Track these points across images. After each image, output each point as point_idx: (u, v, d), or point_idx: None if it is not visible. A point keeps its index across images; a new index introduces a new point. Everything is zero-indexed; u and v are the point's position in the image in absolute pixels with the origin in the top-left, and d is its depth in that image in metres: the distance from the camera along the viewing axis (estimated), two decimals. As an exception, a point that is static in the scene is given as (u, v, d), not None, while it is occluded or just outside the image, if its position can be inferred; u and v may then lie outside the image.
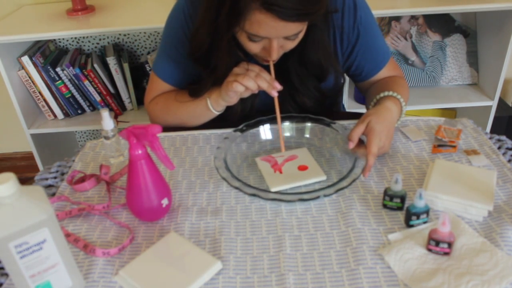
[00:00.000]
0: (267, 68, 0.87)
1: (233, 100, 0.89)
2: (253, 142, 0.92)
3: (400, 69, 1.08)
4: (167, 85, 1.04)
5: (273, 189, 0.79)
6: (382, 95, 0.92)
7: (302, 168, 0.84)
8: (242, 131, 0.91)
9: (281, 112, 0.87)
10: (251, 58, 0.91)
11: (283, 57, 0.90)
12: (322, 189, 0.74)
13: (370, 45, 0.98)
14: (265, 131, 0.94)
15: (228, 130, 0.93)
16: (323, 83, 0.97)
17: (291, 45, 0.85)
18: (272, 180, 0.81)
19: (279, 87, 0.84)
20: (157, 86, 1.04)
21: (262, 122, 0.93)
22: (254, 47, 0.84)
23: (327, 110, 1.00)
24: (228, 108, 0.95)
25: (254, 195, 0.73)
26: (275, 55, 0.83)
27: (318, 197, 0.72)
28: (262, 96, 0.97)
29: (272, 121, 0.91)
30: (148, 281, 0.62)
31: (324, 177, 0.81)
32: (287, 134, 0.95)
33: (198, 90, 0.95)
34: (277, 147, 0.88)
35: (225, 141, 0.87)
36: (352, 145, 0.82)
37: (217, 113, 0.95)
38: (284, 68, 0.93)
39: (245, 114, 0.98)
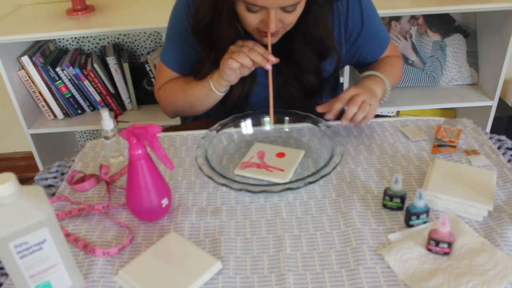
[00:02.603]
0: (266, 48, 0.88)
1: (231, 78, 0.90)
2: (229, 142, 0.93)
3: (398, 50, 1.14)
4: (174, 73, 1.06)
5: (235, 172, 0.82)
6: (365, 74, 0.99)
7: (280, 155, 0.86)
8: (217, 130, 0.91)
9: (284, 96, 0.91)
10: (251, 37, 0.92)
11: (287, 38, 0.92)
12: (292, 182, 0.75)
13: (373, 32, 1.02)
14: (246, 126, 0.95)
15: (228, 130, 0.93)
16: (324, 64, 1.00)
17: (289, 18, 0.85)
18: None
19: (273, 59, 0.86)
20: (164, 74, 1.07)
21: (236, 121, 0.94)
22: (252, 19, 0.85)
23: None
24: (227, 93, 0.98)
25: (241, 189, 0.74)
26: (273, 27, 0.83)
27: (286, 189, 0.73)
28: (260, 94, 0.97)
29: (248, 116, 0.95)
30: (148, 281, 0.62)
31: (285, 181, 0.80)
32: (286, 129, 0.96)
33: (200, 68, 0.98)
34: (254, 140, 0.92)
35: (203, 140, 0.88)
36: (331, 116, 0.89)
37: (220, 94, 0.96)
38: (289, 50, 0.94)
39: (242, 102, 1.00)
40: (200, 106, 1.01)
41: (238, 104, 0.99)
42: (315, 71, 0.99)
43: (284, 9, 0.82)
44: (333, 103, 0.90)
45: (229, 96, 0.98)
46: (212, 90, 0.95)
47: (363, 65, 1.09)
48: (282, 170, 0.83)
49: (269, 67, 0.86)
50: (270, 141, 0.93)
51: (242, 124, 0.94)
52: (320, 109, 0.92)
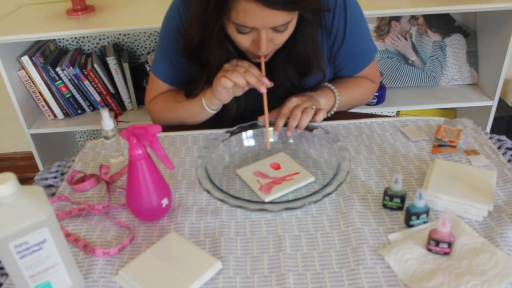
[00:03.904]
0: (259, 66, 0.87)
1: (224, 97, 0.89)
2: (235, 151, 0.90)
3: (377, 74, 1.10)
4: (166, 85, 1.04)
5: (267, 199, 0.76)
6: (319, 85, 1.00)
7: (275, 165, 0.84)
8: (223, 140, 0.89)
9: (269, 110, 0.88)
10: (243, 56, 0.91)
11: (273, 55, 0.90)
12: (308, 196, 0.72)
13: (353, 50, 0.99)
14: (247, 139, 0.92)
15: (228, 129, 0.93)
16: (306, 80, 0.97)
17: (280, 38, 0.84)
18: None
19: (268, 83, 0.84)
20: (156, 86, 1.05)
21: (245, 129, 0.91)
22: (243, 40, 0.83)
23: None
24: (224, 108, 0.96)
25: (261, 209, 0.70)
26: (264, 48, 0.82)
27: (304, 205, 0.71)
28: (256, 96, 0.97)
29: (254, 127, 0.91)
30: (148, 281, 0.62)
31: (312, 179, 0.80)
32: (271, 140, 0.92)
33: (192, 89, 0.96)
34: (258, 154, 0.89)
35: (206, 149, 0.85)
36: (276, 133, 0.89)
37: (212, 112, 0.96)
38: (271, 64, 0.93)
39: (240, 114, 0.98)
40: (191, 122, 1.00)
41: (237, 116, 0.97)
42: (289, 87, 0.96)
43: (275, 29, 0.81)
44: (277, 119, 0.89)
45: (226, 112, 0.97)
46: (204, 108, 0.94)
47: (338, 77, 1.06)
48: (297, 173, 0.81)
49: (263, 90, 0.84)
50: (275, 153, 0.89)
51: (245, 140, 0.91)
52: (261, 118, 0.91)
